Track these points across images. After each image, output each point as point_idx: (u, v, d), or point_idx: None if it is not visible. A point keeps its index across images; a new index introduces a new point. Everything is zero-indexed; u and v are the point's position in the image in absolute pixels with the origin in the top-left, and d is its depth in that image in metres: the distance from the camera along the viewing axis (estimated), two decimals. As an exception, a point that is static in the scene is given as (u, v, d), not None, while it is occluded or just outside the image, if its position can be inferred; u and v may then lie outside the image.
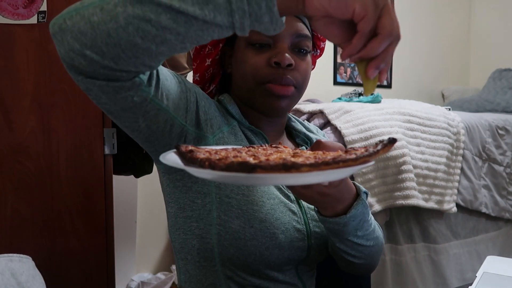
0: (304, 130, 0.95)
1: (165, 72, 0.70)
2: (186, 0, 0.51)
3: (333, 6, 0.52)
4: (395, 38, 0.54)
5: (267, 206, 0.77)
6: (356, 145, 1.74)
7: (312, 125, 1.01)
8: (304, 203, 0.84)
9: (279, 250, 0.77)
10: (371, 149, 0.51)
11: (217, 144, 0.78)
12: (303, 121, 1.00)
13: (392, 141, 0.53)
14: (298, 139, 0.94)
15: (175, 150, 0.53)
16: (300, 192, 0.66)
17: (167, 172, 0.81)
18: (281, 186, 0.82)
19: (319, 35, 0.90)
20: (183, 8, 0.51)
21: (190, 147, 0.52)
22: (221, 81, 0.94)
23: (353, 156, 0.48)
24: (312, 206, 0.84)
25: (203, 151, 0.51)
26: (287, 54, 0.79)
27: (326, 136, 1.03)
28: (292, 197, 0.82)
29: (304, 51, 0.83)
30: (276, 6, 0.52)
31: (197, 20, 0.52)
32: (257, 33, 0.78)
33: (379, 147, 0.52)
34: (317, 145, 0.64)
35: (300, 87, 0.83)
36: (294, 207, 0.81)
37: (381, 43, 0.53)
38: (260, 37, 0.80)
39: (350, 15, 0.52)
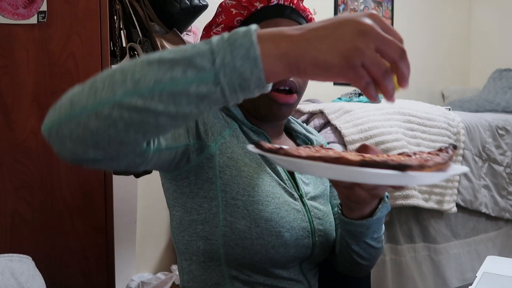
0: (304, 131, 0.97)
1: None
2: (181, 103, 0.49)
3: (326, 77, 0.50)
4: (402, 52, 0.50)
5: (272, 206, 0.78)
6: (356, 145, 1.74)
7: (310, 127, 1.03)
8: (308, 202, 0.85)
9: (284, 248, 0.78)
10: (443, 154, 0.55)
11: (220, 150, 0.78)
12: (302, 122, 1.01)
13: (455, 147, 0.58)
14: (299, 140, 0.96)
15: (254, 146, 0.56)
16: (358, 193, 0.66)
17: (174, 179, 0.81)
18: (286, 186, 0.83)
19: None
20: (180, 111, 0.50)
21: (276, 146, 0.55)
22: None
23: (441, 159, 0.52)
24: (315, 204, 0.86)
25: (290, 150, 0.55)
26: None
27: (324, 138, 1.04)
28: (296, 195, 0.84)
29: None
30: (265, 82, 0.50)
31: (194, 115, 0.52)
32: None
33: (450, 151, 0.56)
34: (364, 148, 0.66)
35: (301, 92, 0.85)
36: (298, 205, 0.82)
37: (399, 69, 0.50)
38: None
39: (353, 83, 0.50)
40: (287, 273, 0.82)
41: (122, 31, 1.34)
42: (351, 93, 2.41)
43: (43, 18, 1.10)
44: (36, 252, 1.08)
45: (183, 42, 1.39)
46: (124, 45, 1.34)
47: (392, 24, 3.55)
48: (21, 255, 0.96)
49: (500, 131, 2.31)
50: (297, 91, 0.83)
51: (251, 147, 0.57)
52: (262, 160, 0.83)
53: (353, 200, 0.70)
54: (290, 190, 0.83)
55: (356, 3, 3.36)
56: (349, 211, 0.76)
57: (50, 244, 1.14)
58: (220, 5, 0.87)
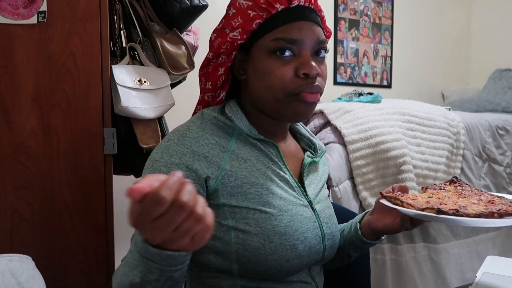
0: (308, 134, 0.96)
1: None
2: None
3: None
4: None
5: (285, 219, 0.78)
6: (356, 145, 1.74)
7: (311, 131, 1.02)
8: (316, 207, 0.86)
9: (299, 259, 0.78)
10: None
11: (222, 183, 0.77)
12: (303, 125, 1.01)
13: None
14: (302, 143, 0.96)
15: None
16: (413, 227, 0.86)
17: None
18: (296, 195, 0.83)
19: (326, 33, 0.90)
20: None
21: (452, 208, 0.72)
22: (231, 86, 0.92)
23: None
24: (321, 208, 0.87)
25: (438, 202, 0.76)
26: (313, 63, 0.78)
27: (321, 141, 1.03)
28: (305, 202, 0.84)
29: (323, 56, 0.83)
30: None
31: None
32: (276, 41, 0.78)
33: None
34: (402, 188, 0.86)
35: (322, 92, 0.84)
36: (309, 212, 0.83)
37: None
38: (281, 44, 0.78)
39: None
40: (297, 277, 0.83)
41: (122, 31, 1.34)
42: (351, 93, 2.40)
43: (43, 18, 1.10)
44: (36, 252, 1.08)
45: (183, 42, 1.39)
46: (124, 45, 1.34)
47: (392, 24, 3.55)
48: (21, 255, 0.96)
49: (500, 131, 2.31)
50: (320, 91, 0.82)
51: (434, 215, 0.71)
52: (268, 171, 0.81)
53: (402, 230, 0.86)
54: (300, 198, 0.83)
55: (356, 3, 3.36)
56: (373, 235, 0.91)
57: (50, 244, 1.14)
58: (234, 6, 0.82)
